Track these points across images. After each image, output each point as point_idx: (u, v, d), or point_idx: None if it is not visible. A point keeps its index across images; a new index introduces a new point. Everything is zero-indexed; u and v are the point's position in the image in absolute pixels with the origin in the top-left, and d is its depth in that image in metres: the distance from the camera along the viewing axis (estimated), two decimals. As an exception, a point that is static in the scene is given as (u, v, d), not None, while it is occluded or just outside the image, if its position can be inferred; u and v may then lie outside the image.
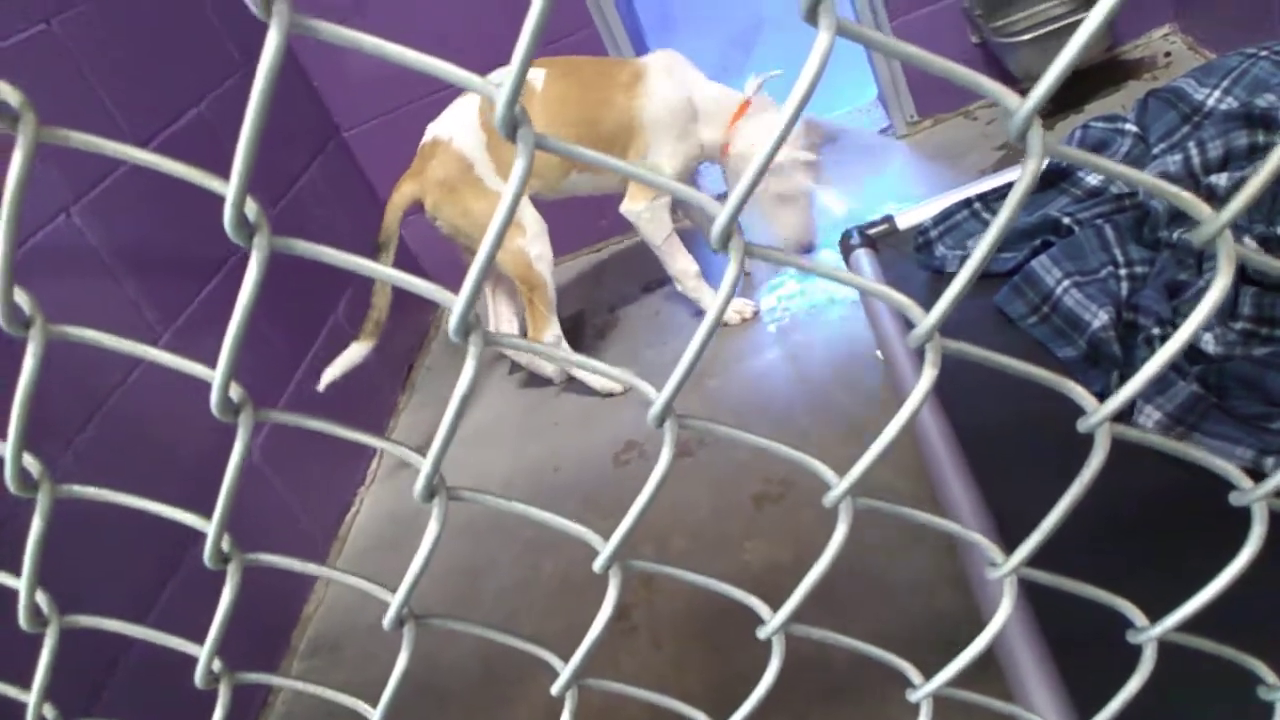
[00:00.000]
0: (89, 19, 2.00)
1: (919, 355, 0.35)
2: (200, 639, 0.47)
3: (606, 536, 0.41)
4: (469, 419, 2.53)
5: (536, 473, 2.24)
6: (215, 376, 0.36)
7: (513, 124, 0.32)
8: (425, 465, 0.38)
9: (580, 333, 2.72)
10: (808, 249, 2.43)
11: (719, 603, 1.73)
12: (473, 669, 1.77)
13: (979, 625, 1.14)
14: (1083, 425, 0.36)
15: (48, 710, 0.49)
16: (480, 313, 2.43)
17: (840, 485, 0.38)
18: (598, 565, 0.41)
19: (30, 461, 0.41)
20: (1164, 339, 1.51)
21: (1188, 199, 0.33)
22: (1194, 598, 0.40)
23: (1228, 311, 1.51)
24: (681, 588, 1.75)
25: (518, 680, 1.70)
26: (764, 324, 2.38)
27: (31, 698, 0.47)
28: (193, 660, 0.50)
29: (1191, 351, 1.48)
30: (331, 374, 2.28)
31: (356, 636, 1.98)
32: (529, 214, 2.28)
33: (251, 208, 0.34)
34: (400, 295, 2.94)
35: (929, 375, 0.34)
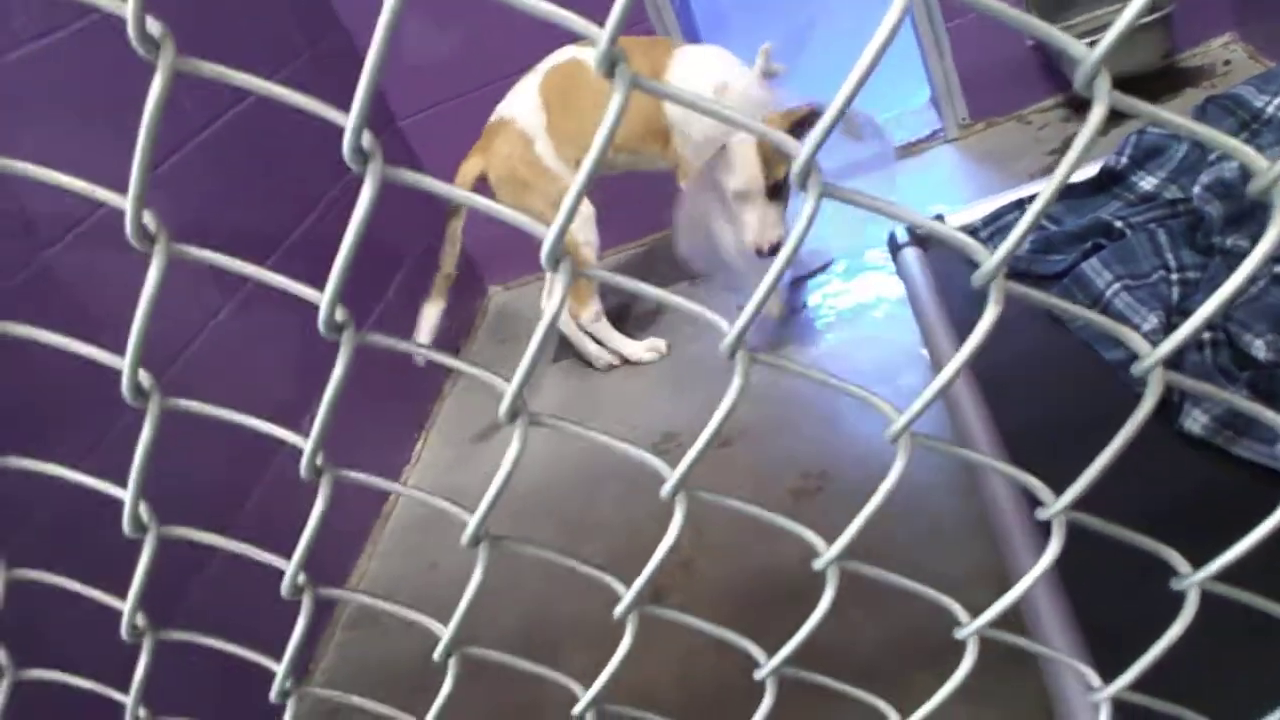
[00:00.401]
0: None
1: (981, 295, 0.37)
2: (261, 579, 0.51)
3: (654, 516, 0.43)
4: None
5: (576, 459, 2.28)
6: (326, 295, 0.39)
7: (612, 61, 0.34)
8: (510, 388, 0.41)
9: (624, 325, 2.75)
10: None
11: (756, 586, 1.75)
12: (513, 644, 1.80)
13: (1016, 622, 1.15)
14: (1137, 369, 0.38)
15: (140, 618, 0.52)
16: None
17: (900, 420, 0.40)
18: (665, 491, 0.43)
19: (143, 375, 0.44)
20: (1214, 344, 1.51)
21: (1246, 151, 0.34)
22: (1235, 545, 0.41)
23: (1279, 319, 1.50)
24: (718, 573, 1.77)
25: (554, 656, 1.74)
26: (809, 321, 2.39)
27: (127, 604, 0.51)
28: (258, 584, 0.53)
29: (1241, 357, 1.48)
30: (424, 343, 2.37)
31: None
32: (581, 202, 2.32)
33: (367, 138, 0.37)
34: (453, 284, 2.99)
35: (992, 312, 0.36)
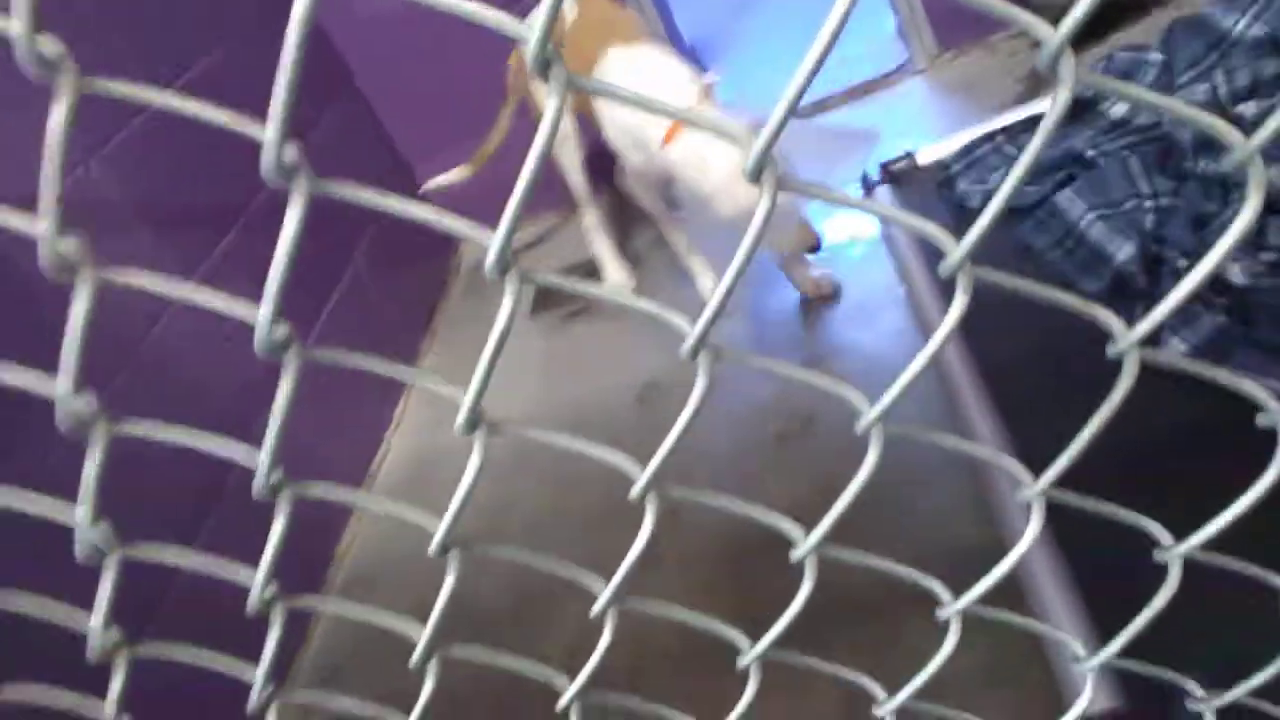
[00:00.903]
0: None
1: (949, 285, 0.36)
2: (241, 569, 0.49)
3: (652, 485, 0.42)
4: (491, 363, 2.55)
5: (560, 413, 2.27)
6: (261, 315, 0.37)
7: (545, 63, 0.32)
8: (466, 399, 0.39)
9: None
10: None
11: (743, 533, 1.74)
12: (504, 602, 1.81)
13: (1001, 555, 1.15)
14: (1112, 350, 0.37)
15: (114, 633, 0.50)
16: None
17: (871, 412, 0.39)
18: (634, 492, 0.42)
19: (86, 400, 0.42)
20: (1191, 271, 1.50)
21: (1220, 126, 0.33)
22: (1219, 516, 0.41)
23: (1254, 242, 1.50)
24: (707, 520, 1.78)
25: (547, 611, 1.74)
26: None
27: (94, 621, 0.49)
28: (235, 590, 0.52)
29: (1218, 282, 1.47)
30: (435, 183, 2.63)
31: (391, 570, 2.02)
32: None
33: (290, 151, 0.35)
34: (422, 241, 2.94)
35: (960, 302, 0.34)
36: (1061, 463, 0.39)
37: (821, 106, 2.87)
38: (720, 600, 1.64)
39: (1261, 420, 0.39)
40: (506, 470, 2.12)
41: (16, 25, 0.32)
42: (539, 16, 0.31)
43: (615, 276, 2.60)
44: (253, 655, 0.57)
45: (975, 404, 1.42)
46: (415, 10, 2.61)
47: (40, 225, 0.36)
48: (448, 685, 0.53)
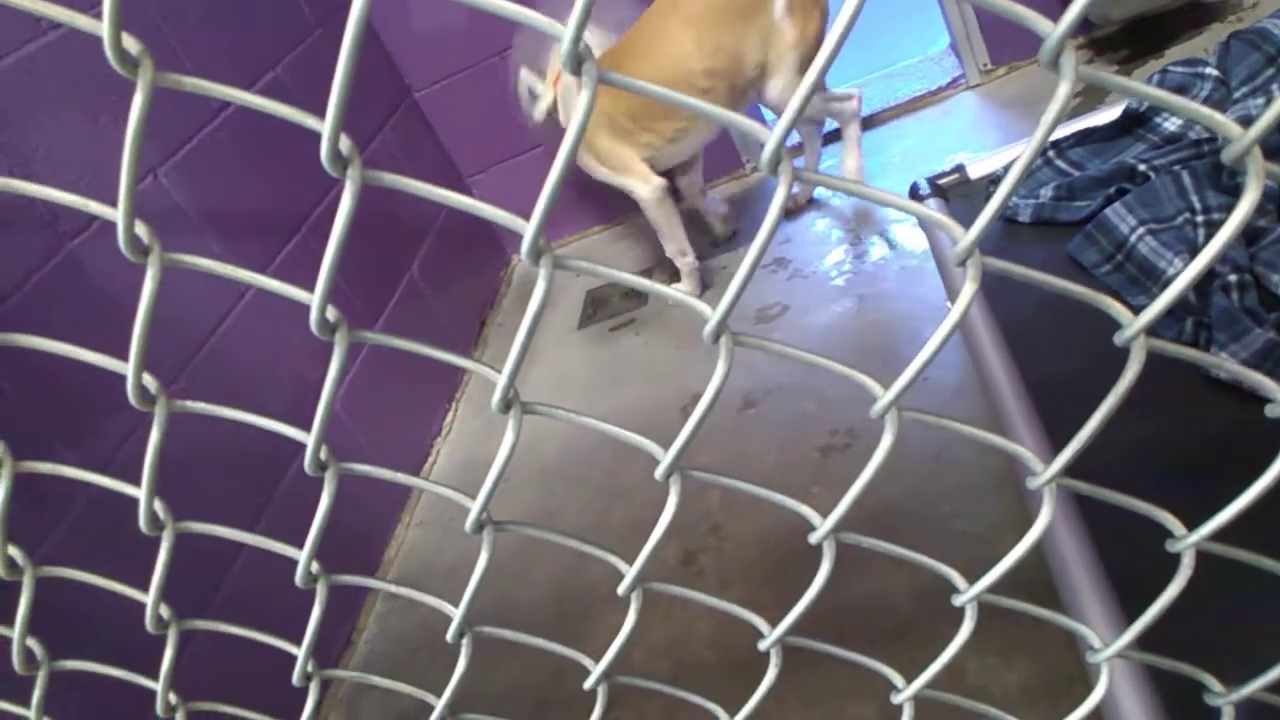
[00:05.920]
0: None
1: (993, 302, 0.37)
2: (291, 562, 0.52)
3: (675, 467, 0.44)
4: (536, 375, 2.59)
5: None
6: (314, 298, 0.40)
7: (578, 59, 0.34)
8: (501, 379, 0.42)
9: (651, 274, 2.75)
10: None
11: (784, 551, 1.75)
12: (547, 610, 1.83)
13: (1045, 570, 1.14)
14: (1119, 339, 0.38)
15: (164, 610, 0.54)
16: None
17: (885, 396, 0.41)
18: (659, 473, 0.44)
19: (148, 379, 0.46)
20: (1241, 286, 1.49)
21: (1218, 119, 0.34)
22: (1229, 506, 0.42)
23: (1308, 257, 1.48)
24: (749, 535, 1.79)
25: (587, 619, 1.76)
26: (831, 278, 2.38)
27: (150, 596, 0.53)
28: (288, 580, 0.54)
29: (1269, 298, 1.46)
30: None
31: (435, 579, 2.06)
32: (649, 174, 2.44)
33: (345, 143, 0.37)
34: (475, 253, 3.00)
35: (969, 289, 0.36)
36: (1069, 451, 0.41)
37: (872, 121, 2.87)
38: (768, 609, 1.65)
39: (1270, 411, 0.40)
40: (551, 477, 2.16)
41: (107, 25, 0.35)
42: (572, 18, 0.34)
43: (685, 264, 2.63)
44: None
45: (1010, 393, 1.42)
46: (470, 28, 2.68)
47: (119, 210, 0.39)
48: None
